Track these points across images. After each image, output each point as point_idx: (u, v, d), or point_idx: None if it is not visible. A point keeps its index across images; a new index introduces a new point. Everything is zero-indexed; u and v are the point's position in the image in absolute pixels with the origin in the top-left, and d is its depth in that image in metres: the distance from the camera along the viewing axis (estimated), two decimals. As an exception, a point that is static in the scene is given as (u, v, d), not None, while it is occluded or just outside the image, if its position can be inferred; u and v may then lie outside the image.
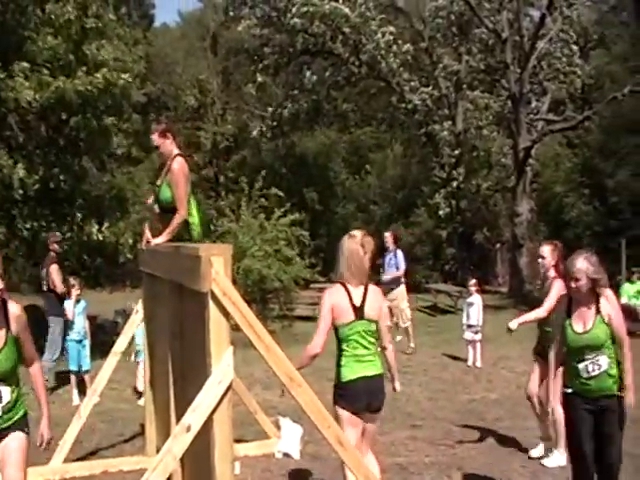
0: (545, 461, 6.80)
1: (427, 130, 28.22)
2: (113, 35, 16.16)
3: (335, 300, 5.04)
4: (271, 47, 28.49)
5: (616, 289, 17.29)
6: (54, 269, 10.64)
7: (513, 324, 6.52)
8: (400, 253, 14.02)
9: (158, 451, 4.45)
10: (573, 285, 4.99)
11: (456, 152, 27.76)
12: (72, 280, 10.68)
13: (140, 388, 9.86)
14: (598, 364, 4.92)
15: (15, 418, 4.38)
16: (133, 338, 9.63)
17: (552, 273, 6.80)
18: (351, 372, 5.02)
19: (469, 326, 12.56)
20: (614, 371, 4.95)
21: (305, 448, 7.28)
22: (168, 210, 5.94)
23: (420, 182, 33.74)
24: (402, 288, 13.91)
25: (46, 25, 14.01)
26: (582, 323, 4.98)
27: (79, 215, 14.64)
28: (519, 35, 25.16)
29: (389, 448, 7.42)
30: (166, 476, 4.10)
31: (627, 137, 23.85)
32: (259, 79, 29.03)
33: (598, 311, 4.98)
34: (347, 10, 25.63)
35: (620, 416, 4.96)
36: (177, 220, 5.86)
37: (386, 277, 13.80)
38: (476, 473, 6.59)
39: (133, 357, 10.38)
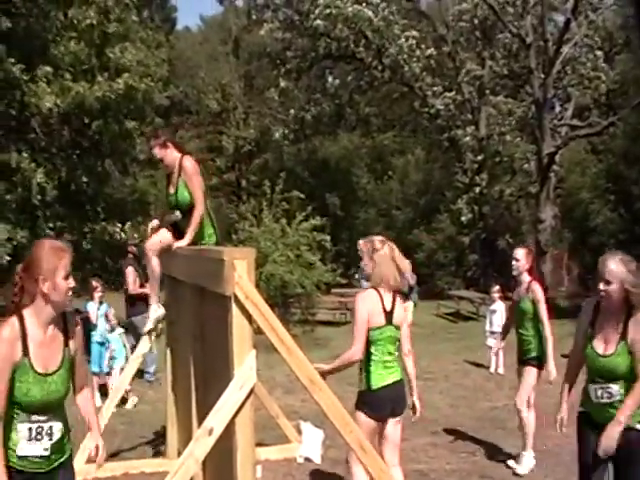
0: (518, 469, 6.79)
1: (450, 135, 28.12)
2: (136, 38, 16.27)
3: (369, 305, 5.00)
4: (293, 51, 28.53)
5: None
6: (129, 271, 10.87)
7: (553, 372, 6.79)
8: None
9: (179, 454, 4.45)
10: (602, 288, 4.27)
11: (479, 157, 27.64)
12: (94, 282, 10.72)
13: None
14: (608, 392, 4.27)
15: (62, 459, 3.63)
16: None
17: (526, 277, 6.89)
18: (380, 379, 4.98)
19: (492, 333, 12.49)
20: None
21: (326, 453, 7.25)
22: (190, 209, 5.99)
23: (442, 187, 33.64)
24: None
25: (69, 30, 14.14)
26: (604, 342, 4.27)
27: (102, 215, 14.74)
28: (543, 40, 25.01)
29: (409, 454, 7.37)
30: (188, 479, 4.09)
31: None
32: (282, 83, 29.05)
33: (624, 335, 4.19)
34: (370, 13, 25.60)
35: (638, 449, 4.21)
36: (196, 217, 5.93)
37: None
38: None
39: (105, 364, 10.22)
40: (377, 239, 5.25)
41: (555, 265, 29.10)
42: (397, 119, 34.03)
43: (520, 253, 6.91)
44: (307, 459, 7.15)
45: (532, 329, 6.84)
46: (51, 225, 14.05)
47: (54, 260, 3.35)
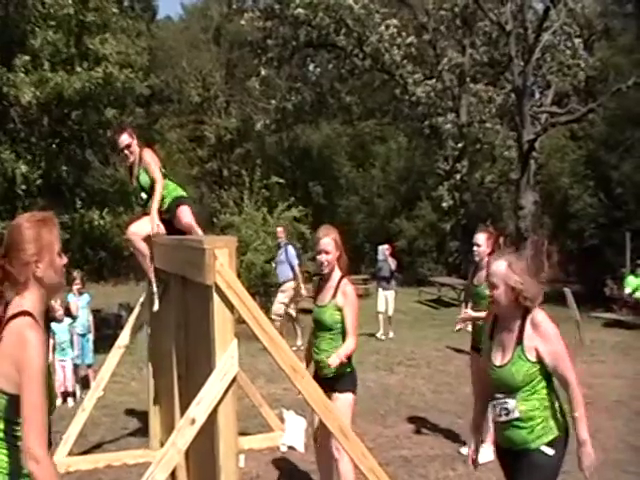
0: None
1: (430, 122, 28.15)
2: (116, 27, 16.14)
3: None
4: (274, 39, 28.42)
5: (620, 281, 17.30)
6: None
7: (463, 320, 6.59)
8: (291, 248, 13.95)
9: (162, 445, 4.45)
10: (490, 293, 3.88)
11: (460, 145, 27.72)
12: (75, 273, 10.68)
13: (71, 389, 9.90)
14: (505, 407, 3.78)
15: None
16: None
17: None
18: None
19: (473, 319, 12.54)
20: (532, 421, 3.72)
21: (310, 441, 7.27)
22: (152, 189, 6.40)
23: (424, 174, 33.72)
24: (290, 284, 13.83)
25: (48, 19, 14.01)
26: (501, 351, 3.82)
27: (80, 203, 14.66)
28: (523, 28, 25.03)
29: (393, 441, 7.41)
30: (170, 469, 4.09)
31: (632, 129, 23.75)
32: (262, 72, 28.97)
33: (520, 340, 3.75)
34: (351, 1, 25.57)
35: (542, 474, 3.74)
36: (158, 188, 6.32)
37: (281, 279, 13.82)
38: (481, 466, 6.54)
39: (51, 357, 9.71)
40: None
41: (535, 251, 29.24)
42: (378, 107, 34.00)
43: (481, 238, 6.66)
44: (290, 447, 7.16)
45: None
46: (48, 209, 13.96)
47: (46, 234, 2.75)
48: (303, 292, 13.20)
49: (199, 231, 6.28)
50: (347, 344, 4.97)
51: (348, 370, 5.13)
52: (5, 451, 2.65)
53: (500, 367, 3.78)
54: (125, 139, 6.53)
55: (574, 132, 30.58)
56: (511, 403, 3.74)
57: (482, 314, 6.25)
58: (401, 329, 16.06)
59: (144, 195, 6.56)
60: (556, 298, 18.00)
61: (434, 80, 27.62)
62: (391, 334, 15.34)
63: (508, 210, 30.95)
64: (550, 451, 3.70)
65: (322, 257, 5.09)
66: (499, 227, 30.73)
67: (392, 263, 15.45)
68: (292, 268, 13.66)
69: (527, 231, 25.36)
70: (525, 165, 25.02)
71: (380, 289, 15.60)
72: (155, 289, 6.44)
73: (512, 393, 3.74)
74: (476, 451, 4.18)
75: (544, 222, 31.29)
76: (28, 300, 2.72)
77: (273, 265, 13.97)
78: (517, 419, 3.73)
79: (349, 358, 5.06)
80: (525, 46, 25.21)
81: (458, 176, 27.48)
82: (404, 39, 26.49)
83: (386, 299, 15.32)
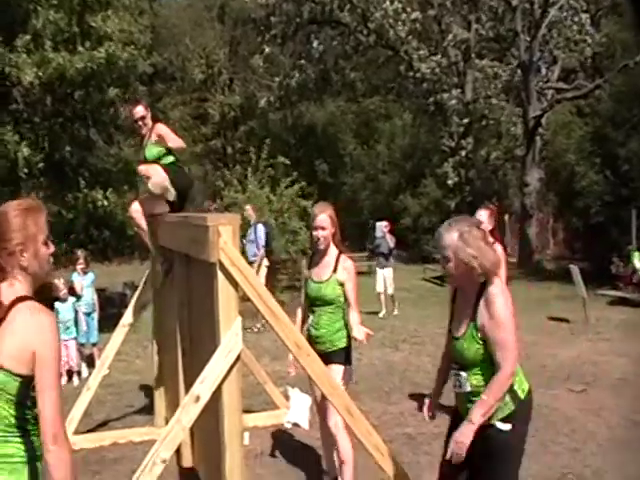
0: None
1: (436, 99, 27.96)
2: (119, 5, 16.01)
3: None
4: (278, 16, 28.23)
5: (627, 259, 17.26)
6: None
7: None
8: (261, 227, 13.69)
9: (167, 422, 4.45)
10: (442, 265, 3.71)
11: (465, 121, 27.55)
12: (79, 253, 10.67)
13: (76, 368, 9.85)
14: (459, 380, 3.67)
15: None
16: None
17: (490, 239, 6.66)
18: None
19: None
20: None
21: (314, 418, 7.28)
22: (159, 159, 6.37)
23: (429, 151, 33.57)
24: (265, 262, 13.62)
25: (50, -2, 13.89)
26: (459, 323, 3.68)
27: (84, 183, 14.62)
28: (529, 3, 24.87)
29: (398, 418, 7.42)
30: (175, 447, 4.10)
31: (639, 106, 23.59)
32: (266, 49, 28.83)
33: (474, 317, 3.57)
34: (355, -23, 25.36)
35: (498, 449, 3.56)
36: (181, 143, 6.35)
37: (251, 258, 13.26)
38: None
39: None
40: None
41: (541, 228, 29.21)
42: (383, 84, 33.83)
43: (483, 215, 6.57)
44: (295, 425, 7.17)
45: None
46: (34, 196, 13.95)
47: (32, 224, 2.72)
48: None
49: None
50: (356, 316, 4.99)
51: (346, 345, 5.17)
52: (19, 439, 2.63)
53: (456, 339, 3.66)
54: (140, 110, 6.50)
55: (580, 108, 30.43)
56: (463, 376, 3.62)
57: None
58: (405, 306, 16.04)
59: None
60: (562, 275, 18.04)
61: (439, 56, 27.41)
62: (396, 311, 15.28)
63: (513, 187, 30.86)
64: (505, 426, 3.53)
65: (318, 233, 5.11)
66: (504, 204, 30.73)
67: (390, 240, 15.33)
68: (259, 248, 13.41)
69: (532, 208, 25.34)
70: (531, 142, 24.93)
71: (378, 268, 15.46)
72: (160, 265, 6.45)
73: (464, 367, 3.63)
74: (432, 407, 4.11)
75: (549, 199, 31.24)
76: (19, 289, 2.70)
77: (244, 242, 13.69)
78: (470, 393, 3.60)
79: (347, 332, 5.11)
80: (531, 21, 25.06)
81: (463, 153, 27.35)
82: (409, 15, 26.24)
83: (384, 278, 15.17)
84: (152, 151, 6.40)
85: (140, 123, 6.52)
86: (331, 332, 5.13)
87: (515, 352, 3.46)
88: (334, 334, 5.13)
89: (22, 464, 2.59)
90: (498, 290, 3.52)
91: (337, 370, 5.08)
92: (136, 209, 6.43)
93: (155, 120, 6.63)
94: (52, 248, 2.83)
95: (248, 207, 14.04)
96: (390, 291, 15.28)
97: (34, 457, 2.63)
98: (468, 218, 3.73)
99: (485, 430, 3.51)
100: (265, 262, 13.37)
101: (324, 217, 5.11)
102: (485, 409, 3.42)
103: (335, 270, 5.10)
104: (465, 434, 3.44)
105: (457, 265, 3.53)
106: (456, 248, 3.51)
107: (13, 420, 2.60)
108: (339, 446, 5.13)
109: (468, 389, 3.60)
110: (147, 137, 6.50)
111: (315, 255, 5.27)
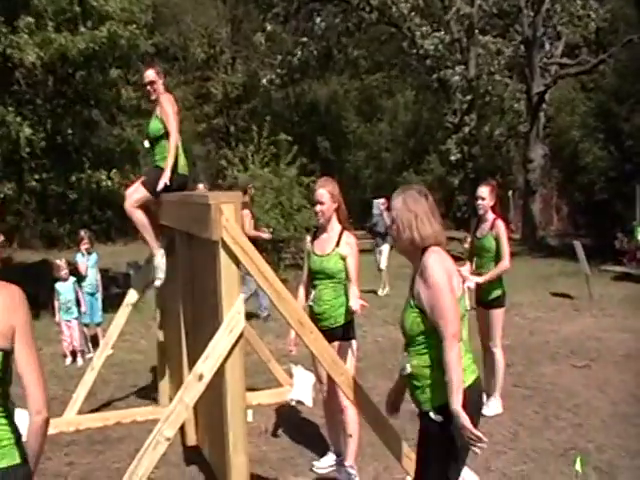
0: (485, 411, 6.25)
1: (439, 75, 27.76)
2: (120, -16, 15.90)
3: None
4: (280, -6, 28.06)
5: (631, 235, 17.22)
6: (245, 214, 10.50)
7: (473, 281, 6.53)
8: None
9: (171, 401, 4.46)
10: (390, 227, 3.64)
11: (468, 97, 27.36)
12: (82, 233, 10.67)
13: (80, 348, 9.80)
14: (404, 362, 3.50)
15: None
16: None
17: (490, 215, 6.71)
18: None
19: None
20: (424, 380, 3.39)
21: (318, 396, 7.30)
22: (157, 138, 6.35)
23: (432, 128, 33.51)
24: None
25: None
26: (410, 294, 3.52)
27: (87, 162, 14.59)
28: (533, -23, 24.64)
29: (402, 395, 7.43)
30: (179, 425, 4.12)
31: (642, 81, 23.47)
32: (268, 27, 28.65)
33: (412, 284, 3.48)
34: (356, -47, 25.12)
35: (435, 442, 3.38)
36: (172, 146, 6.19)
37: None
38: (489, 419, 6.56)
39: (57, 316, 9.82)
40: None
41: (544, 204, 29.14)
42: (385, 61, 33.63)
43: (485, 191, 6.65)
44: (299, 402, 7.19)
45: (494, 268, 6.62)
46: (37, 177, 13.93)
47: None
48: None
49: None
50: (354, 290, 5.00)
51: (348, 320, 5.19)
52: (5, 419, 2.58)
53: (404, 309, 3.54)
54: (150, 74, 6.44)
55: (584, 84, 30.25)
56: (405, 356, 3.50)
57: (480, 279, 6.55)
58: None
59: (147, 143, 6.54)
60: (566, 251, 18.01)
61: (442, 32, 27.19)
62: (387, 289, 14.96)
63: (517, 164, 30.77)
64: (438, 418, 3.30)
65: (317, 207, 5.18)
66: (508, 181, 30.64)
67: (387, 218, 15.15)
68: None
69: (536, 184, 25.25)
70: (534, 118, 24.80)
71: (376, 247, 15.22)
72: (159, 259, 6.36)
73: (408, 344, 3.48)
74: None
75: (553, 175, 31.14)
76: None
77: None
78: (411, 375, 3.44)
79: (347, 309, 5.11)
80: (535, -4, 24.82)
81: (467, 129, 27.16)
82: (411, -9, 26.03)
83: (381, 251, 14.93)
84: (154, 126, 6.37)
85: (149, 88, 6.46)
86: (334, 308, 5.14)
87: (456, 320, 3.25)
88: (336, 309, 5.15)
89: (11, 446, 2.55)
90: (434, 258, 3.36)
91: (345, 346, 5.12)
92: (128, 205, 6.36)
93: (167, 90, 6.57)
94: (1, 237, 2.83)
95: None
96: (382, 266, 15.01)
97: (20, 436, 2.61)
98: (420, 187, 3.60)
99: (425, 417, 3.40)
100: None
101: (322, 192, 5.15)
102: (454, 389, 3.15)
103: (338, 244, 5.14)
104: (460, 424, 3.13)
105: (398, 230, 3.48)
106: (398, 212, 3.47)
107: (2, 401, 2.57)
108: (347, 419, 5.17)
109: (408, 370, 3.44)
110: (156, 106, 6.47)
111: (319, 230, 5.30)
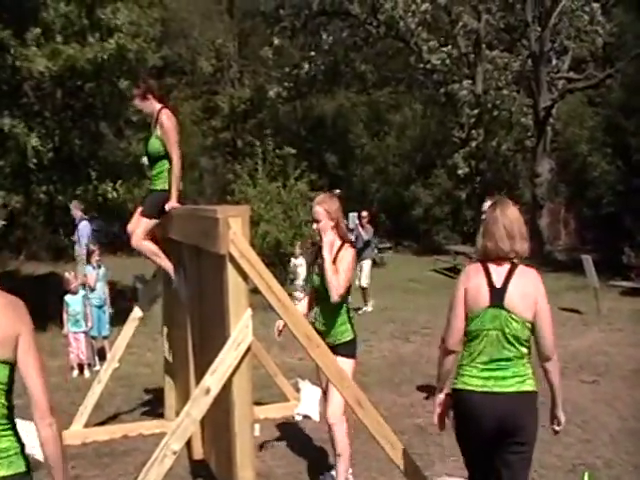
0: None
1: (446, 90, 27.85)
2: (128, -3, 16.01)
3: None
4: (287, 8, 28.19)
5: (638, 249, 17.18)
6: None
7: None
8: (83, 225, 12.59)
9: (178, 415, 4.45)
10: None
11: (475, 112, 27.41)
12: (92, 246, 10.69)
13: (87, 361, 9.78)
14: None
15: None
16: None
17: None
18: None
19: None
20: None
21: (325, 410, 7.29)
22: (157, 159, 6.15)
23: (439, 143, 33.48)
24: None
25: (59, -9, 13.91)
26: None
27: (94, 174, 14.64)
28: (540, -8, 24.69)
29: (408, 410, 7.41)
30: (185, 439, 4.10)
31: (650, 95, 23.50)
32: (276, 41, 28.78)
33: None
34: (364, -32, 25.25)
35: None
36: (175, 172, 6.04)
37: (78, 253, 12.49)
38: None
39: (66, 329, 9.76)
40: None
41: (552, 219, 29.07)
42: (393, 75, 33.70)
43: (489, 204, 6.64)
44: (305, 417, 7.19)
45: None
46: (44, 189, 13.98)
47: None
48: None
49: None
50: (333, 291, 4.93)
51: (351, 337, 5.13)
52: (11, 430, 2.61)
53: None
54: (137, 104, 6.38)
55: (591, 99, 30.27)
56: None
57: None
58: (417, 298, 16.02)
59: (145, 160, 6.38)
60: (574, 266, 17.96)
61: (449, 47, 27.28)
62: (370, 307, 14.29)
63: (524, 178, 30.71)
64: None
65: (314, 225, 5.14)
66: (515, 195, 30.60)
67: (364, 233, 14.60)
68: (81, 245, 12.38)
69: (543, 199, 25.22)
70: (541, 132, 24.79)
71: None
72: (176, 281, 6.15)
73: None
74: None
75: (560, 190, 31.11)
76: None
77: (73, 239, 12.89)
78: None
79: (352, 325, 5.11)
80: (542, 11, 24.88)
81: (474, 144, 27.21)
82: (419, 6, 26.09)
83: (361, 267, 14.17)
84: (154, 146, 6.16)
85: (137, 102, 6.34)
86: (335, 326, 5.09)
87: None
88: (337, 328, 5.09)
89: (17, 455, 2.59)
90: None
91: (345, 363, 4.97)
92: (134, 240, 6.17)
93: (162, 103, 6.31)
94: None
95: (73, 204, 12.88)
96: (363, 284, 14.37)
97: (24, 446, 2.64)
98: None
99: None
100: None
101: (318, 209, 5.09)
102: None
103: (334, 262, 5.00)
104: None
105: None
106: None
107: (5, 411, 2.59)
108: (335, 438, 5.10)
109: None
110: (153, 121, 6.27)
111: (320, 247, 5.18)
